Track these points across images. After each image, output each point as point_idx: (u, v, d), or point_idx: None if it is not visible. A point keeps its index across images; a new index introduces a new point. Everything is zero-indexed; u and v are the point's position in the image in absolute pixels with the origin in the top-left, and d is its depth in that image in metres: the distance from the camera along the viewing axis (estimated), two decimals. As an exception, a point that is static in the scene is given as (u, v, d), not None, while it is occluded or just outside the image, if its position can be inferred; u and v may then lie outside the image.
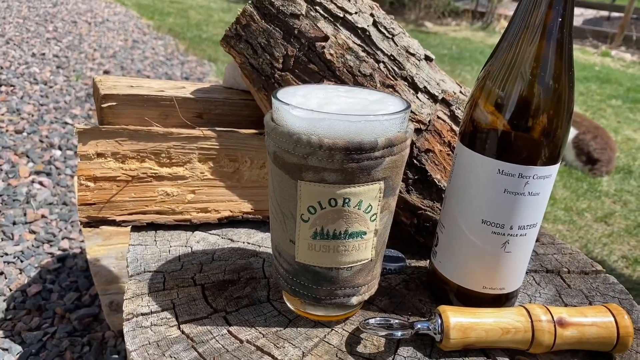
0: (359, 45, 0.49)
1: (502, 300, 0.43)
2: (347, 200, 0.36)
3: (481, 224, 0.40)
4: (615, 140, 2.69)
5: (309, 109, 0.34)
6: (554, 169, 0.39)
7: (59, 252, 1.23)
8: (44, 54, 2.79)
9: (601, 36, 6.15)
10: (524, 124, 0.38)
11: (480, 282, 0.42)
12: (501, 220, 0.39)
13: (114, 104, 0.53)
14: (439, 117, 0.50)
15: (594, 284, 0.51)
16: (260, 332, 0.40)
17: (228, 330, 0.40)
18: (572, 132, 2.31)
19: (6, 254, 1.19)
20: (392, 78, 0.49)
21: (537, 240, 0.58)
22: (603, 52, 5.48)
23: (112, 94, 0.53)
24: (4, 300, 1.05)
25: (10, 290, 1.09)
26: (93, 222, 0.51)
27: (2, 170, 1.54)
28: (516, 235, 0.40)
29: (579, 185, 2.16)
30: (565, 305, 0.47)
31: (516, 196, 0.38)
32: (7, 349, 0.93)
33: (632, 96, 3.78)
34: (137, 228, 0.53)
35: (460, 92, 0.53)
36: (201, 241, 0.52)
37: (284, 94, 0.38)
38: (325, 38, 0.48)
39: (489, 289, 0.42)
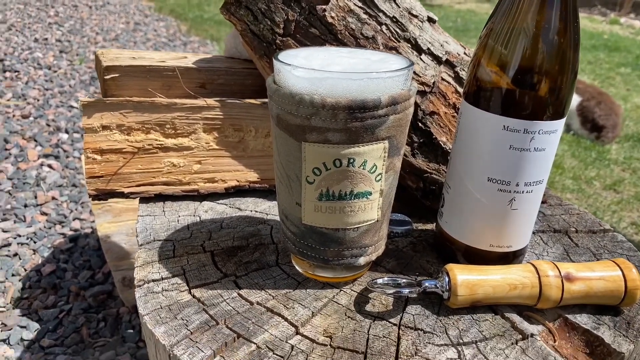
0: (360, 7, 0.48)
1: (509, 259, 0.43)
2: (351, 161, 0.36)
3: (487, 181, 0.40)
4: (624, 108, 2.66)
5: (311, 68, 0.34)
6: (560, 123, 0.38)
7: (70, 233, 1.24)
8: (46, 39, 2.79)
9: (610, 3, 6.02)
10: (528, 80, 0.37)
11: (487, 241, 0.42)
12: (507, 177, 0.39)
13: (116, 75, 0.53)
14: (443, 79, 0.50)
15: (602, 242, 0.51)
16: (270, 294, 0.40)
17: (238, 294, 0.40)
18: (576, 99, 2.27)
19: (19, 236, 1.20)
20: (394, 40, 0.48)
21: (544, 202, 0.58)
22: (612, 20, 5.37)
23: (115, 65, 0.53)
24: (20, 280, 1.07)
25: (25, 270, 1.11)
26: (102, 195, 0.51)
27: (11, 154, 1.55)
28: (522, 192, 0.40)
29: (587, 154, 2.14)
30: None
31: (522, 152, 0.38)
32: (24, 326, 0.95)
33: (642, 63, 3.71)
34: (145, 199, 0.53)
35: (465, 53, 0.52)
36: (209, 210, 0.52)
37: (285, 56, 0.37)
38: (326, 1, 0.47)
39: (496, 247, 0.42)
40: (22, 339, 0.93)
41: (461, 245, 0.43)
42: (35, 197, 1.36)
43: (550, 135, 0.38)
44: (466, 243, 0.43)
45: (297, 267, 0.43)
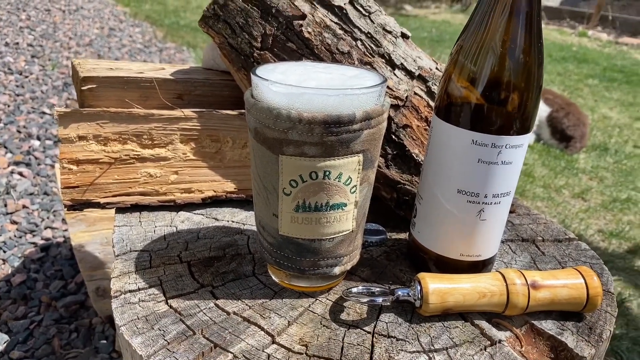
0: (336, 23, 0.49)
1: (479, 267, 0.45)
2: (327, 173, 0.37)
3: (457, 193, 0.42)
4: (591, 118, 2.75)
5: (288, 84, 0.35)
6: (525, 138, 0.40)
7: (42, 242, 1.22)
8: (17, 44, 2.73)
9: (578, 16, 6.22)
10: (496, 96, 0.39)
11: (457, 250, 0.44)
12: (476, 189, 0.41)
13: (94, 86, 0.53)
14: (415, 94, 0.51)
15: (567, 250, 0.53)
16: (246, 304, 0.41)
17: (215, 304, 0.41)
18: (546, 110, 2.35)
19: (-12, 245, 1.18)
20: (369, 55, 0.50)
21: (513, 212, 0.60)
22: (580, 33, 5.54)
23: (92, 76, 0.53)
24: (-12, 291, 1.05)
25: (-6, 280, 1.08)
26: (77, 205, 0.51)
27: (-21, 161, 1.51)
28: (490, 203, 0.42)
29: (556, 163, 2.20)
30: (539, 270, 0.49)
31: (490, 165, 0.40)
32: (-7, 338, 0.93)
33: (609, 75, 3.85)
34: (121, 210, 0.53)
35: (437, 68, 0.54)
36: (186, 221, 0.53)
37: (263, 70, 0.38)
38: (303, 16, 0.48)
39: (466, 256, 0.44)
40: (-10, 351, 0.90)
41: (433, 254, 0.45)
42: (5, 206, 1.33)
43: (516, 149, 0.40)
44: (437, 252, 0.45)
45: (273, 277, 0.44)
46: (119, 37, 3.29)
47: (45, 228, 1.27)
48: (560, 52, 4.49)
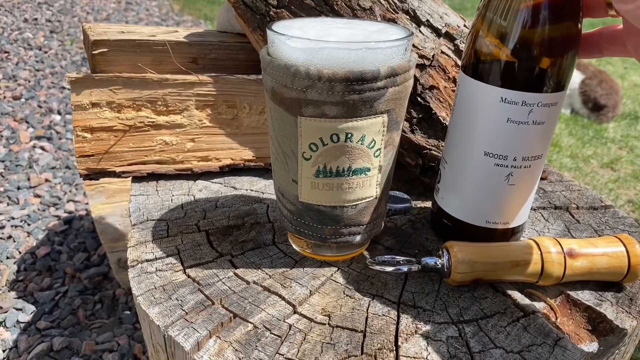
0: (357, -23, 0.46)
1: (507, 236, 0.42)
2: (349, 135, 0.34)
3: (484, 156, 0.39)
4: (622, 86, 2.64)
5: (306, 38, 0.32)
6: (560, 96, 0.37)
7: (65, 215, 1.23)
8: (36, 19, 2.73)
9: (608, -20, 5.94)
10: (527, 52, 0.36)
11: (483, 217, 0.41)
12: (504, 151, 0.38)
13: (105, 50, 0.51)
14: (442, 52, 0.48)
15: (603, 218, 0.50)
16: (266, 274, 0.39)
17: (234, 273, 0.39)
18: (579, 77, 2.26)
19: (13, 218, 1.19)
20: (392, 11, 0.47)
21: (544, 178, 0.57)
22: (610, -3, 5.30)
23: (103, 39, 0.51)
24: (14, 263, 1.06)
25: (20, 252, 1.10)
26: (93, 174, 0.50)
27: (2, 136, 1.53)
28: (520, 167, 0.39)
29: (584, 132, 2.13)
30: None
31: (520, 125, 0.37)
32: (20, 309, 0.94)
33: (640, 41, 3.68)
34: (137, 179, 0.52)
35: (465, 25, 0.50)
36: (203, 189, 0.51)
37: (279, 26, 0.36)
38: (322, -29, 0.45)
39: (492, 224, 0.41)
40: (18, 322, 0.92)
41: (457, 221, 0.43)
42: (29, 180, 1.35)
43: (549, 108, 0.37)
44: (462, 219, 0.42)
45: (294, 246, 0.42)
46: (136, 11, 3.27)
47: (68, 201, 1.28)
48: (588, 19, 4.31)
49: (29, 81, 1.93)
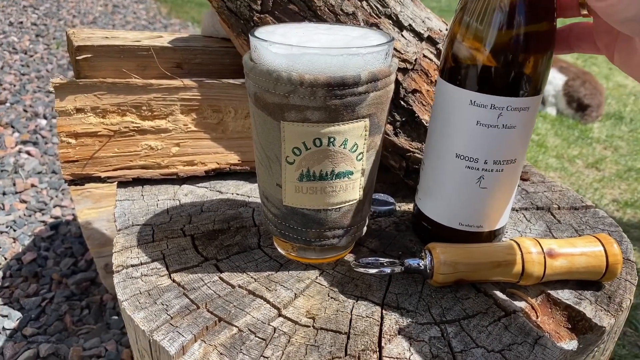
0: (339, -18, 0.47)
1: (482, 239, 0.42)
2: (332, 140, 0.35)
3: (455, 158, 0.39)
4: (606, 86, 2.68)
5: (288, 44, 0.33)
6: (532, 101, 0.37)
7: (51, 220, 1.22)
8: (21, 23, 2.71)
9: (592, -18, 6.02)
10: (495, 56, 0.36)
11: (456, 219, 0.42)
12: (475, 154, 0.39)
13: (89, 55, 0.51)
14: (425, 56, 0.49)
15: (584, 218, 0.51)
16: (251, 277, 0.40)
17: (219, 277, 0.39)
18: (562, 79, 2.29)
19: (-2, 224, 1.18)
20: (375, 16, 0.47)
21: (526, 180, 0.58)
22: (594, -1, 5.37)
23: (87, 45, 0.51)
24: (0, 269, 1.05)
25: (5, 258, 1.09)
26: (78, 180, 0.50)
27: (-13, 141, 1.51)
28: (491, 170, 0.39)
29: (570, 132, 2.16)
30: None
31: (489, 129, 0.37)
32: (6, 316, 0.93)
33: (624, 42, 3.73)
34: (123, 184, 0.52)
35: (447, 29, 0.51)
36: (189, 194, 0.51)
37: (262, 32, 0.36)
38: (305, -24, 0.46)
39: (466, 226, 0.42)
40: (3, 328, 0.91)
41: (434, 223, 0.43)
42: (14, 185, 1.33)
43: (520, 112, 0.37)
44: (437, 220, 0.42)
45: (279, 249, 0.43)
46: (123, 14, 3.25)
47: (54, 206, 1.27)
48: (575, 20, 4.36)
49: (14, 85, 1.91)
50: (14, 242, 1.14)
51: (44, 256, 1.09)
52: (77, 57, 0.51)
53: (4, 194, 1.30)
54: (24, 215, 1.23)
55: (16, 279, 1.03)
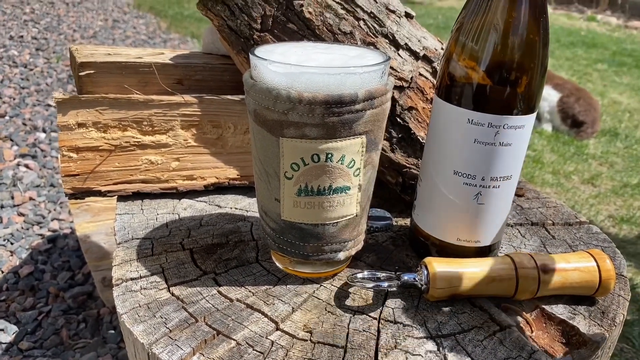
0: (337, 2, 0.48)
1: (479, 254, 0.43)
2: (329, 156, 0.36)
3: (453, 175, 0.40)
4: (601, 103, 2.71)
5: (287, 63, 0.34)
6: (527, 119, 0.38)
7: (49, 233, 1.22)
8: (22, 37, 2.73)
9: (587, 0, 6.12)
10: (492, 74, 0.37)
11: (454, 235, 0.42)
12: (472, 171, 0.40)
13: (92, 72, 0.52)
14: (421, 74, 0.50)
15: (578, 234, 0.52)
16: (250, 291, 0.40)
17: (218, 291, 0.40)
18: (556, 95, 2.31)
19: (-4, 237, 1.18)
20: (372, 35, 0.49)
21: (521, 195, 0.59)
22: (589, 17, 5.46)
23: (90, 61, 0.52)
24: (-4, 283, 1.05)
25: (2, 272, 1.08)
26: (78, 194, 0.51)
27: (-14, 154, 1.52)
28: (489, 187, 0.40)
29: (566, 149, 2.17)
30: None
31: (487, 146, 0.38)
32: (2, 329, 0.93)
33: (618, 59, 3.79)
34: (123, 198, 0.52)
35: (442, 48, 0.52)
36: (188, 208, 0.52)
37: (261, 51, 0.37)
38: (304, -3, 0.47)
39: (464, 242, 0.42)
40: (0, 342, 0.91)
41: (430, 238, 0.44)
42: (12, 198, 1.34)
43: (516, 130, 0.38)
44: (434, 236, 0.43)
45: (277, 263, 0.43)
46: (123, 29, 3.28)
47: (52, 220, 1.27)
48: (569, 37, 4.42)
49: (14, 99, 1.93)
50: (11, 255, 1.14)
51: (41, 269, 1.09)
52: (80, 73, 0.52)
53: (2, 206, 1.30)
54: (22, 228, 1.23)
55: (13, 292, 1.03)
